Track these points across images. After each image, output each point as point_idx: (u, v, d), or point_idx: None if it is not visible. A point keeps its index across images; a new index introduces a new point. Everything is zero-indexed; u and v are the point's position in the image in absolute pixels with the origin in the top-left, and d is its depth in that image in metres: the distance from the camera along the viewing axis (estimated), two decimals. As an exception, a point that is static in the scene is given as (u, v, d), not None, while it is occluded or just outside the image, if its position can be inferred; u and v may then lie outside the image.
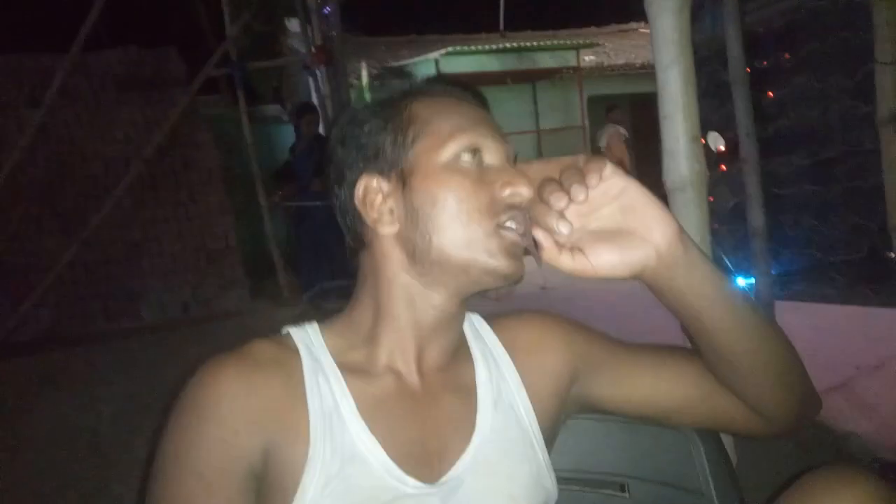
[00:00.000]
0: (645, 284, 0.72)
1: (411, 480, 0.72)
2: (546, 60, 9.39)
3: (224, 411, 0.68)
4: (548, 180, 0.69)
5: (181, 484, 0.67)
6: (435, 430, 0.76)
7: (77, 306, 5.92)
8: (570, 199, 0.66)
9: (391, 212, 0.75)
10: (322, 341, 0.77)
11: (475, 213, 0.72)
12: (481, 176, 0.74)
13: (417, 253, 0.74)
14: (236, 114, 6.66)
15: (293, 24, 8.58)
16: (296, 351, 0.76)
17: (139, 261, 6.17)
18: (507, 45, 9.66)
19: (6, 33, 6.42)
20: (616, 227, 0.70)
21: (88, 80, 6.21)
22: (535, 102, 10.28)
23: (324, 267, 5.64)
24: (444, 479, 0.74)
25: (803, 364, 0.79)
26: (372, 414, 0.73)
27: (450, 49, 8.75)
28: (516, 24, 11.59)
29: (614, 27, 12.02)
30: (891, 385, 2.53)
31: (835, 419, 2.49)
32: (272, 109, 10.32)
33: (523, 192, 0.72)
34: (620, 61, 10.60)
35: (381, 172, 0.76)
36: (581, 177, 0.66)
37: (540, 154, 9.85)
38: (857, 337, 3.01)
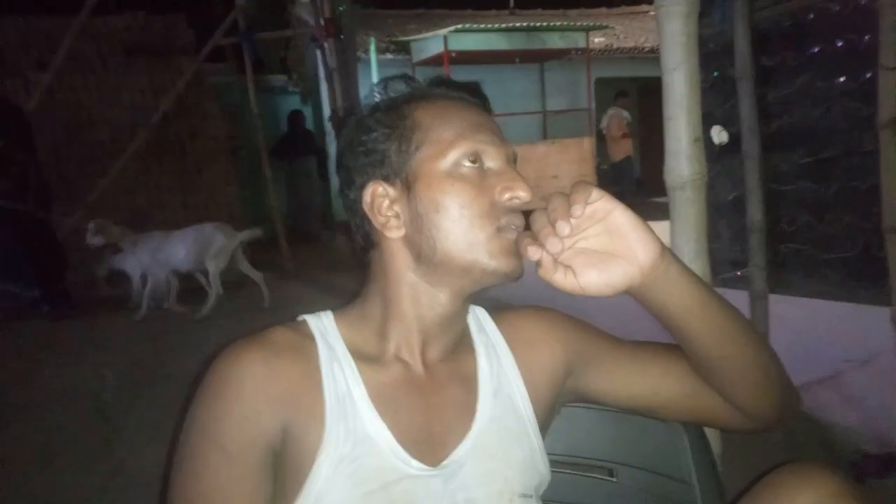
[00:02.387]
0: (630, 296, 0.77)
1: (415, 463, 0.77)
2: (555, 41, 9.31)
3: (248, 392, 0.73)
4: (539, 213, 0.73)
5: (206, 456, 0.72)
6: (439, 416, 0.81)
7: (81, 271, 5.97)
8: (556, 232, 0.70)
9: (397, 216, 0.79)
10: (336, 330, 0.82)
11: (476, 217, 0.76)
12: (482, 181, 0.78)
13: (423, 255, 0.78)
14: (242, 83, 6.64)
15: (302, -6, 8.51)
16: (312, 338, 0.80)
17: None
18: (516, 24, 9.57)
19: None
20: (602, 248, 0.74)
21: (96, 45, 6.19)
22: (543, 83, 10.23)
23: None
24: (445, 462, 0.79)
25: (783, 366, 0.85)
26: (381, 400, 0.78)
27: (458, 26, 8.68)
28: (526, 1, 11.50)
29: (624, 8, 11.92)
30: (877, 380, 2.59)
31: (822, 411, 2.56)
32: (278, 79, 10.27)
33: (522, 195, 0.77)
34: (629, 44, 10.53)
35: (387, 179, 0.80)
36: (566, 208, 0.70)
37: (545, 136, 9.83)
38: (847, 332, 3.05)
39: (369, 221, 0.81)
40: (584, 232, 0.74)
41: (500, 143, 0.80)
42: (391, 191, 0.80)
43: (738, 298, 2.59)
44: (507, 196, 0.77)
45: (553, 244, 0.70)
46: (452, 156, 0.77)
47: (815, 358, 2.84)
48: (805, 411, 2.50)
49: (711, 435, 1.54)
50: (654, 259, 0.72)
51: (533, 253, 0.71)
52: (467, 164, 0.77)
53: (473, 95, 0.85)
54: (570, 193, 0.71)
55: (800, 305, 2.89)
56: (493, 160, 0.79)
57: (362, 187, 0.81)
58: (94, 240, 4.90)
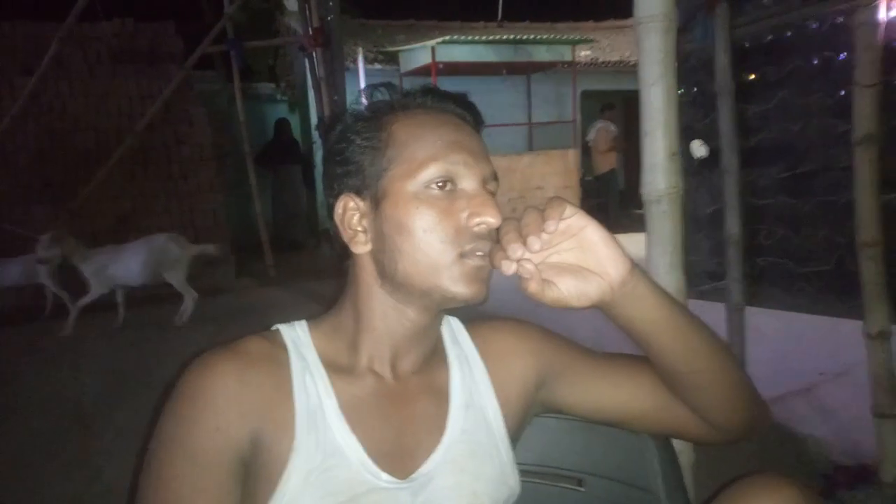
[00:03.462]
0: (600, 310, 0.78)
1: (385, 475, 0.77)
2: (542, 54, 9.38)
3: (219, 403, 0.73)
4: (508, 221, 0.72)
5: (175, 466, 0.72)
6: (409, 429, 0.81)
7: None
8: (527, 248, 0.69)
9: (365, 231, 0.79)
10: (310, 340, 0.82)
11: (438, 242, 0.75)
12: (450, 204, 0.76)
13: (386, 274, 0.78)
14: (230, 90, 6.64)
15: (291, 3, 8.54)
16: (285, 348, 0.80)
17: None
18: (504, 36, 9.65)
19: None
20: (574, 262, 0.74)
21: (83, 51, 6.18)
22: (529, 94, 10.29)
23: None
24: (415, 475, 0.79)
25: (750, 380, 0.86)
26: (352, 412, 0.78)
27: (446, 38, 8.73)
28: (514, 14, 11.59)
29: (611, 22, 12.04)
30: (850, 392, 2.63)
31: (795, 422, 2.59)
32: (265, 87, 10.28)
33: (490, 221, 0.75)
34: (615, 58, 10.63)
35: (359, 192, 0.79)
36: (539, 224, 0.69)
37: (531, 147, 9.89)
38: (822, 345, 3.09)
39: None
40: (557, 246, 0.73)
41: (475, 162, 0.77)
42: (361, 205, 0.79)
43: (715, 311, 2.63)
44: (475, 221, 0.75)
45: (514, 250, 0.69)
46: (422, 177, 0.75)
47: (790, 370, 2.88)
48: (779, 423, 2.53)
49: (684, 446, 1.56)
50: (623, 275, 0.73)
51: (506, 268, 0.71)
52: (437, 186, 0.75)
53: (460, 106, 0.83)
54: (545, 209, 0.71)
55: (776, 318, 2.92)
56: (466, 181, 0.77)
57: (336, 198, 0.81)
58: (48, 252, 4.43)
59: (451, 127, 0.79)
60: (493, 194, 0.79)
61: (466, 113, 0.83)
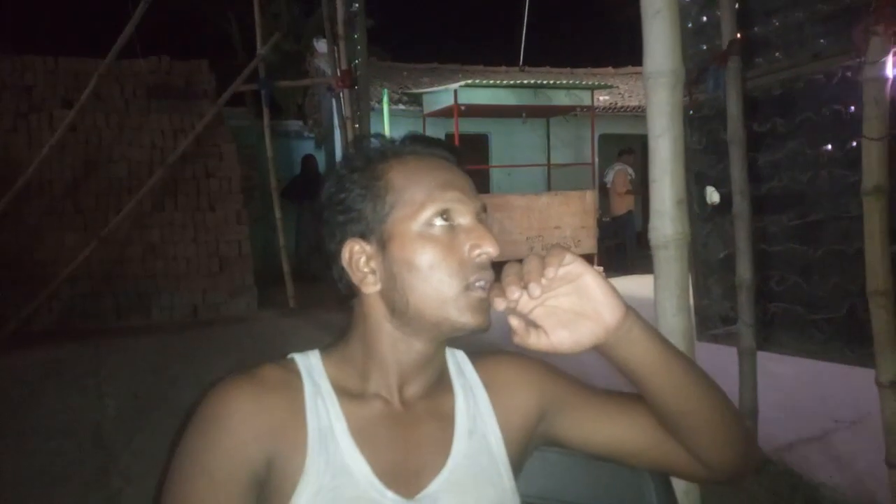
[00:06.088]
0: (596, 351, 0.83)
1: (390, 494, 0.81)
2: (561, 98, 9.50)
3: (236, 425, 0.79)
4: (511, 265, 0.76)
5: (194, 482, 0.77)
6: (415, 451, 0.85)
7: (89, 302, 6.07)
8: (528, 293, 0.73)
9: (373, 272, 0.84)
10: (322, 368, 0.87)
11: (446, 277, 0.80)
12: (452, 239, 0.82)
13: (397, 309, 0.83)
14: (259, 127, 6.84)
15: (321, 45, 8.83)
16: (299, 375, 0.86)
17: (154, 262, 6.34)
18: (524, 81, 9.83)
19: (46, 36, 6.65)
20: (570, 307, 0.78)
21: (121, 87, 6.44)
22: (548, 137, 10.44)
23: None
24: (419, 495, 0.83)
25: (743, 422, 0.91)
26: (361, 434, 0.83)
27: (468, 82, 8.93)
28: (536, 59, 11.85)
29: (630, 69, 12.23)
30: (865, 441, 2.62)
31: (810, 469, 2.59)
32: (294, 125, 10.56)
33: (489, 250, 0.81)
34: (633, 103, 10.78)
35: (364, 236, 0.84)
36: (540, 271, 0.74)
37: (549, 187, 10.01)
38: (835, 392, 3.08)
39: (348, 276, 0.87)
40: (556, 291, 0.77)
41: (469, 199, 0.84)
42: (368, 248, 0.84)
43: (727, 354, 2.65)
44: (476, 253, 0.81)
45: (512, 291, 0.75)
46: (423, 216, 0.81)
47: (804, 416, 2.87)
48: (791, 469, 2.53)
49: (690, 486, 1.59)
50: (618, 320, 0.78)
51: (498, 304, 0.76)
52: (438, 223, 0.81)
53: (446, 150, 0.89)
54: (546, 255, 0.75)
55: (789, 363, 2.93)
56: (462, 216, 0.83)
57: (341, 243, 0.85)
58: None
59: (442, 169, 0.86)
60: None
61: (451, 154, 0.89)
